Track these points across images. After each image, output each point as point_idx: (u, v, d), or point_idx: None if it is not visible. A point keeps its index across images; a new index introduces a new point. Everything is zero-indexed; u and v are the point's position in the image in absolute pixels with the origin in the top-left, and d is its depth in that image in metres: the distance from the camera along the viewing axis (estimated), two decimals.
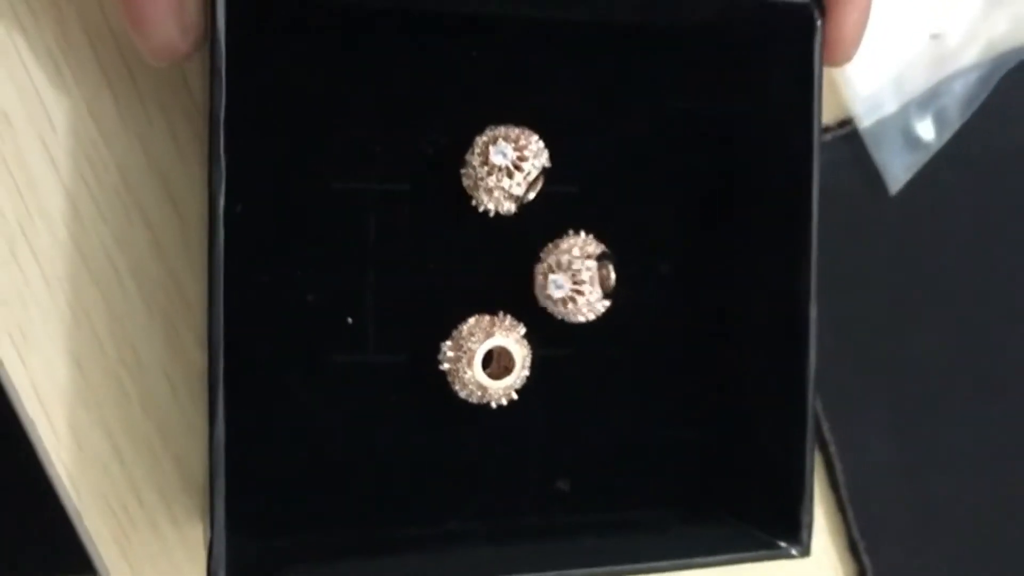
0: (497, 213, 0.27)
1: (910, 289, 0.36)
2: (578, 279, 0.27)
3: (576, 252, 0.27)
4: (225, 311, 0.25)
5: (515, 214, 0.28)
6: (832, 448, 0.34)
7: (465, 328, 0.27)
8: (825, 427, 0.34)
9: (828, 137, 0.35)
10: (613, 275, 0.28)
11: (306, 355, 0.27)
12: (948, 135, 0.35)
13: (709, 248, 0.30)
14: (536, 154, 0.27)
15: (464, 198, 0.28)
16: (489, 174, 0.27)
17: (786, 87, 0.28)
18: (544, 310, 0.28)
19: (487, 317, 0.27)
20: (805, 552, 0.28)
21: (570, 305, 0.27)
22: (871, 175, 0.35)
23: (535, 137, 0.27)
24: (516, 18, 0.28)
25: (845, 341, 0.35)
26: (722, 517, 0.29)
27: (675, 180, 0.30)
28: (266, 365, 0.27)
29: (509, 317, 0.27)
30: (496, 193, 0.27)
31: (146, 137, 0.28)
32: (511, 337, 0.27)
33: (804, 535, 0.27)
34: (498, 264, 0.28)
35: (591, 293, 0.27)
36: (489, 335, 0.27)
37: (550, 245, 0.28)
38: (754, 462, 0.29)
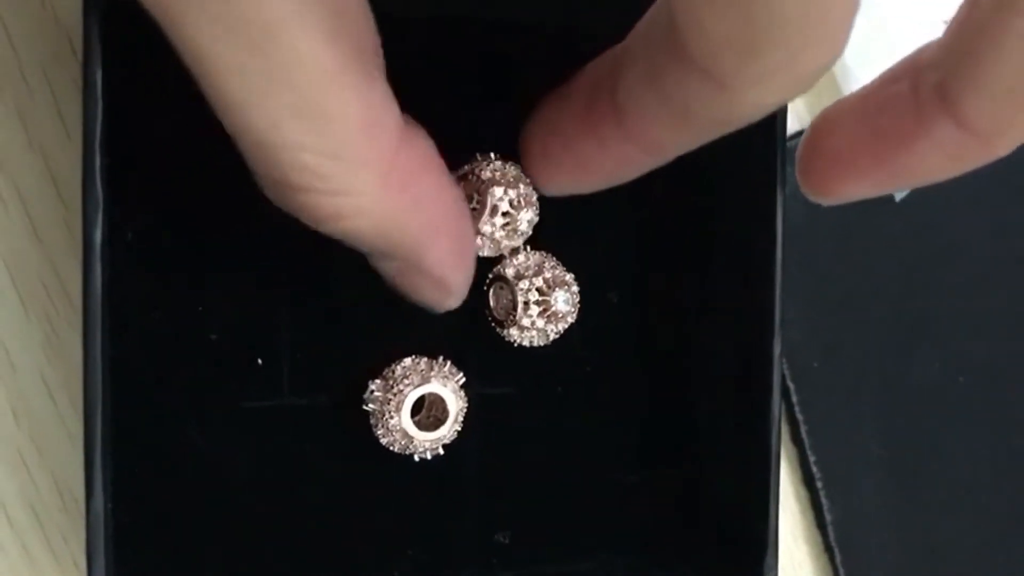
0: None
1: (912, 310, 0.32)
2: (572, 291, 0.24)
3: (549, 268, 0.24)
4: (110, 355, 0.22)
5: None
6: (819, 484, 0.31)
7: (399, 368, 0.24)
8: (812, 460, 0.31)
9: None
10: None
11: (210, 401, 0.24)
12: None
13: (663, 275, 0.27)
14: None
15: None
16: None
17: None
18: (487, 345, 0.25)
19: (425, 359, 0.24)
20: None
21: (560, 324, 0.24)
22: None
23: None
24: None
25: (836, 367, 0.31)
26: (678, 570, 0.27)
27: (627, 204, 0.27)
28: (161, 416, 0.24)
29: (449, 363, 0.24)
30: None
31: (27, 111, 0.25)
32: (448, 386, 0.24)
33: None
34: None
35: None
36: (425, 380, 0.23)
37: (507, 263, 0.25)
38: (713, 510, 0.27)
